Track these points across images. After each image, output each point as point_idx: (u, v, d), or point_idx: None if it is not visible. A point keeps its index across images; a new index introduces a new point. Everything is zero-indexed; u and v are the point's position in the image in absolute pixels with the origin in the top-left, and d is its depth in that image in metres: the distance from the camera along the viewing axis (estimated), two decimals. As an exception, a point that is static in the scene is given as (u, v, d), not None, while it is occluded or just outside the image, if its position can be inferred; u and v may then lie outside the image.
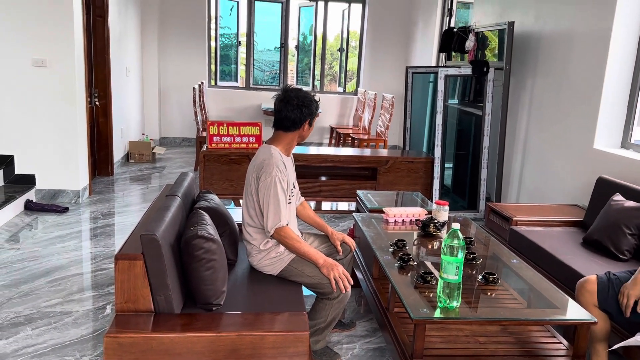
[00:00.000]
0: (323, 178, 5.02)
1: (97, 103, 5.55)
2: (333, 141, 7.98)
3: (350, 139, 7.16)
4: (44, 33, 4.43)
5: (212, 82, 8.13)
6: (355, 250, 3.15)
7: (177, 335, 1.80)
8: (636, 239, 2.89)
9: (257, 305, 2.18)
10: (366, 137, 7.00)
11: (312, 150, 5.72)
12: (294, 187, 2.61)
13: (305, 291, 2.40)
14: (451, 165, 5.84)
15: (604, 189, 3.30)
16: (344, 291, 2.36)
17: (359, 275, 3.10)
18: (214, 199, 2.65)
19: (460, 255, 2.02)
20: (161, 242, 1.87)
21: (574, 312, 2.09)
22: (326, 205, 5.28)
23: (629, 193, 3.12)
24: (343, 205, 5.31)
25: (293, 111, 2.42)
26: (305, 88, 9.03)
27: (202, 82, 7.05)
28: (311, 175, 5.01)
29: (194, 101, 6.11)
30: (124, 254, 1.88)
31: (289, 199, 2.47)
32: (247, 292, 2.35)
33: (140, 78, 7.36)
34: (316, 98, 2.53)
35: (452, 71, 4.89)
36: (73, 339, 2.58)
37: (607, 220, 3.01)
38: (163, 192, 2.76)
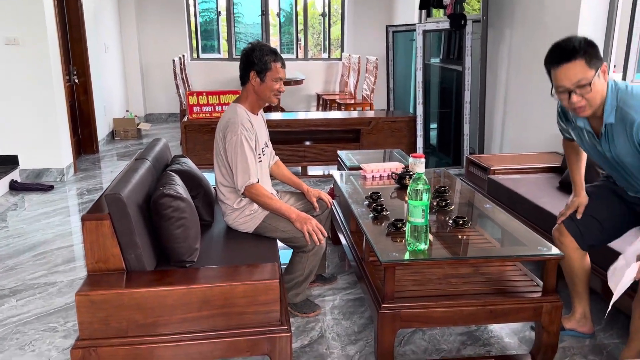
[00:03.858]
0: (307, 143, 5.03)
1: (76, 81, 5.51)
2: (320, 108, 7.94)
3: (336, 104, 7.13)
4: (14, 10, 4.37)
5: (195, 55, 8.05)
6: (336, 208, 3.18)
7: (148, 290, 1.83)
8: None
9: (231, 261, 2.21)
10: (352, 101, 6.97)
11: (296, 116, 5.70)
12: (266, 145, 2.62)
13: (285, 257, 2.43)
14: (436, 124, 5.84)
15: (579, 132, 3.30)
16: (317, 243, 2.39)
17: (339, 233, 3.14)
18: (187, 163, 2.66)
19: (425, 198, 2.04)
20: (126, 202, 1.89)
21: (541, 248, 2.13)
22: (317, 170, 5.22)
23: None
24: (334, 170, 5.29)
25: (240, 63, 2.45)
26: (289, 56, 8.82)
27: (183, 55, 6.98)
28: (295, 141, 5.01)
29: (175, 74, 6.07)
30: (90, 215, 1.90)
31: (259, 158, 2.48)
32: (222, 249, 2.38)
33: (121, 54, 7.29)
34: (267, 48, 2.42)
35: (429, 26, 4.85)
36: (58, 307, 2.63)
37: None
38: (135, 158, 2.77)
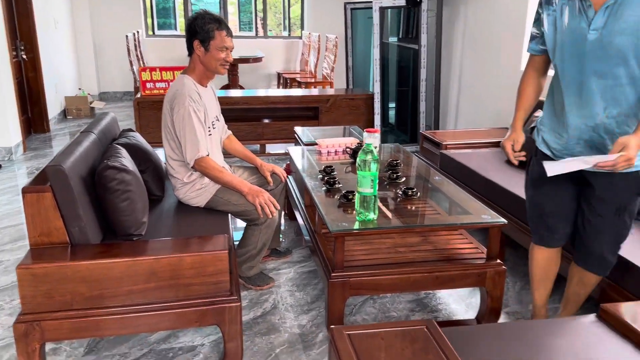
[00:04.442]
0: (266, 120, 4.99)
1: (24, 57, 5.29)
2: (281, 87, 7.88)
3: (296, 83, 7.09)
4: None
5: (150, 32, 7.82)
6: (291, 184, 3.18)
7: (93, 262, 1.80)
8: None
9: (181, 235, 2.19)
10: (312, 80, 6.94)
11: (254, 93, 5.64)
12: (217, 119, 2.59)
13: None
14: (394, 103, 5.89)
15: (527, 107, 3.39)
16: (270, 216, 2.40)
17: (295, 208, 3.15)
18: (136, 137, 2.61)
19: (374, 168, 2.07)
20: (68, 173, 1.84)
21: (485, 216, 2.19)
22: (278, 149, 5.15)
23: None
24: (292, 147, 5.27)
25: (185, 33, 2.42)
26: (248, 34, 8.63)
27: (138, 31, 6.77)
28: (254, 119, 4.97)
29: (128, 50, 5.89)
30: (30, 187, 1.84)
31: (209, 131, 2.45)
32: (172, 223, 2.36)
33: (72, 30, 7.02)
34: (211, 16, 2.37)
35: (385, 3, 4.85)
36: (3, 285, 2.56)
37: (528, 135, 3.11)
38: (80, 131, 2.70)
